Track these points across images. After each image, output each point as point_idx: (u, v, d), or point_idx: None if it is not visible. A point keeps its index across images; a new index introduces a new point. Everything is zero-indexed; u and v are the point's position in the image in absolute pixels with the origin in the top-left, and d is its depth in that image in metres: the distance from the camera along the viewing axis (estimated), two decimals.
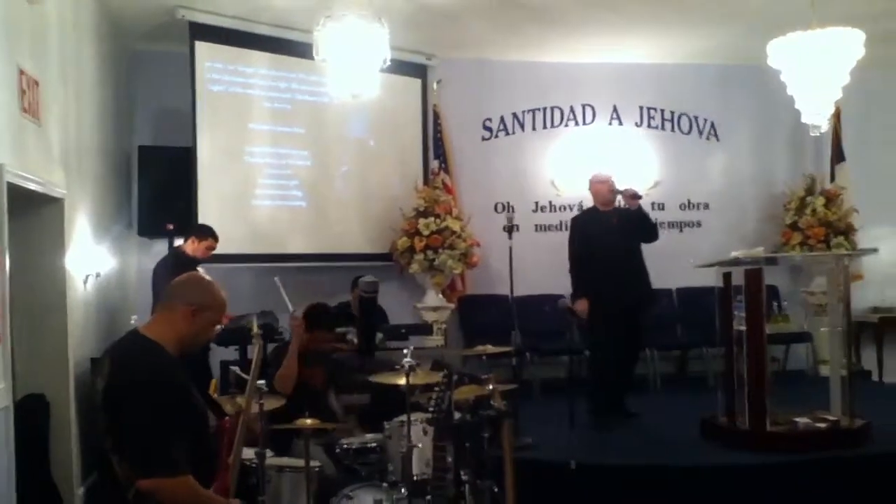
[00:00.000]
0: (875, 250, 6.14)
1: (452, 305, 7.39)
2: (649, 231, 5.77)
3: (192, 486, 2.25)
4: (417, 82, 7.62)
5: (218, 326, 2.58)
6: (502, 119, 7.98)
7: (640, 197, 5.71)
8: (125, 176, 6.71)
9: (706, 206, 8.24)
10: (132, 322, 5.10)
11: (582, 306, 5.57)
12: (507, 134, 8.01)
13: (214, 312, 2.50)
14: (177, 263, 5.39)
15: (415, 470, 3.51)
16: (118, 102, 6.49)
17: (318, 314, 4.51)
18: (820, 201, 7.71)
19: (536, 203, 7.91)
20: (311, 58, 5.22)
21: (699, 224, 8.22)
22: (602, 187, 5.81)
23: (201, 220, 6.18)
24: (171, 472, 2.20)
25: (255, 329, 2.94)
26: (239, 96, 6.71)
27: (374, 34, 5.11)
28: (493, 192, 7.84)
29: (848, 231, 7.66)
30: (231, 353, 5.76)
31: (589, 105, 8.11)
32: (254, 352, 3.07)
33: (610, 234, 5.62)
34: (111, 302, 5.89)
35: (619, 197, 5.75)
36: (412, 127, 7.62)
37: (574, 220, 6.19)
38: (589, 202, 6.12)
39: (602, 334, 5.58)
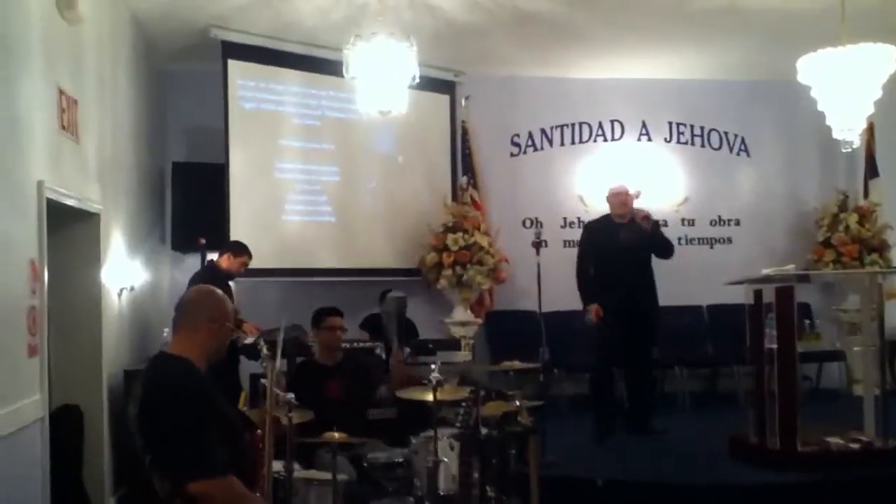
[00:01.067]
0: None
1: (480, 321, 7.40)
2: (662, 248, 5.76)
3: (239, 485, 2.31)
4: (446, 98, 7.68)
5: (234, 331, 2.68)
6: (530, 135, 8.01)
7: (650, 219, 5.71)
8: (159, 191, 6.83)
9: (737, 223, 8.18)
10: (164, 334, 5.17)
11: (594, 309, 5.56)
12: (536, 150, 8.03)
13: (230, 321, 2.60)
14: (212, 278, 5.46)
15: (441, 485, 3.51)
16: (152, 120, 6.62)
17: (320, 309, 4.57)
18: (853, 218, 7.61)
19: (565, 219, 7.91)
20: (341, 75, 5.29)
21: (729, 240, 8.16)
22: (615, 199, 5.84)
23: (232, 234, 6.28)
24: (221, 472, 2.26)
25: (265, 350, 2.98)
26: (270, 113, 6.82)
27: (402, 52, 5.16)
28: (522, 207, 7.86)
29: (882, 248, 7.55)
30: (259, 366, 5.80)
31: (617, 121, 8.11)
32: (268, 371, 3.10)
33: (618, 244, 5.62)
34: (144, 315, 5.99)
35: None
36: (440, 143, 7.67)
37: (586, 226, 6.23)
38: None
39: (603, 349, 5.59)
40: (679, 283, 7.20)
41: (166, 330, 5.73)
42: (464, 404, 3.13)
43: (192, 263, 6.63)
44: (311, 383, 4.30)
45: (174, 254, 6.87)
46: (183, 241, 6.64)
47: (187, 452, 2.25)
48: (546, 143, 8.04)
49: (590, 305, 5.63)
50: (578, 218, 7.80)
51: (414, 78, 5.24)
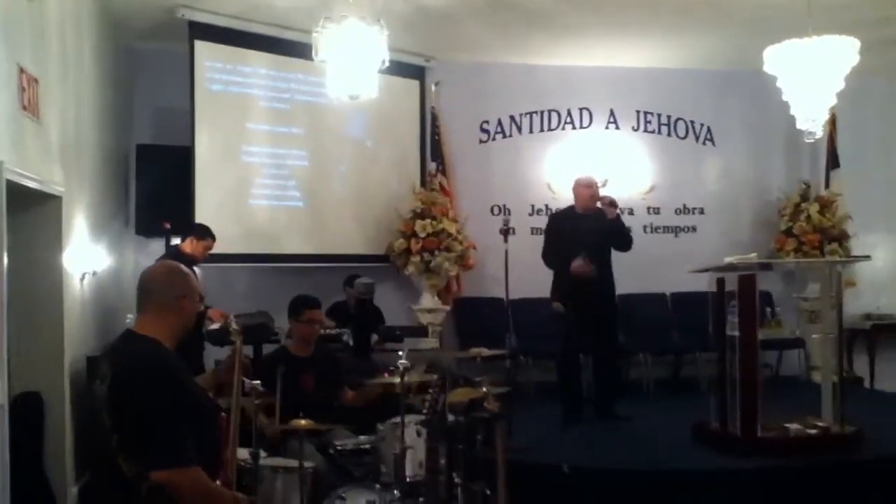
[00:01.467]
0: (868, 257, 6.20)
1: (448, 307, 7.42)
2: (623, 240, 5.84)
3: (204, 478, 2.28)
4: (415, 84, 7.64)
5: (200, 305, 2.62)
6: (500, 122, 8.01)
7: (617, 205, 5.79)
8: (123, 174, 6.72)
9: (701, 211, 8.28)
10: (128, 320, 5.11)
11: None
12: (505, 136, 8.04)
13: (195, 294, 2.55)
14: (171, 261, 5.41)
15: (408, 471, 3.52)
16: (117, 101, 6.50)
17: (300, 298, 4.52)
18: (814, 208, 7.75)
19: (533, 206, 7.95)
20: (310, 58, 5.22)
21: (694, 229, 8.26)
22: (585, 192, 5.87)
23: (199, 219, 6.20)
24: (184, 463, 2.23)
25: (234, 325, 2.93)
26: (238, 96, 6.73)
27: (372, 36, 5.12)
28: (490, 194, 7.87)
29: (842, 238, 7.70)
30: (224, 352, 5.74)
31: (586, 109, 8.14)
32: (235, 350, 3.04)
33: (582, 238, 5.68)
34: (107, 300, 5.90)
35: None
36: (410, 128, 7.65)
37: (550, 218, 6.29)
38: None
39: (568, 337, 5.66)
40: (644, 270, 7.30)
41: (130, 315, 5.66)
42: (430, 391, 3.13)
43: (157, 248, 6.55)
44: (286, 374, 4.26)
45: (138, 238, 6.77)
46: (147, 226, 6.55)
47: (155, 439, 2.22)
48: (515, 130, 8.05)
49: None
50: (546, 205, 7.85)
51: (384, 62, 5.20)
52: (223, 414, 2.65)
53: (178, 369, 2.39)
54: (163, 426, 2.22)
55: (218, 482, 2.39)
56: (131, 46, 6.88)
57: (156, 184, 6.49)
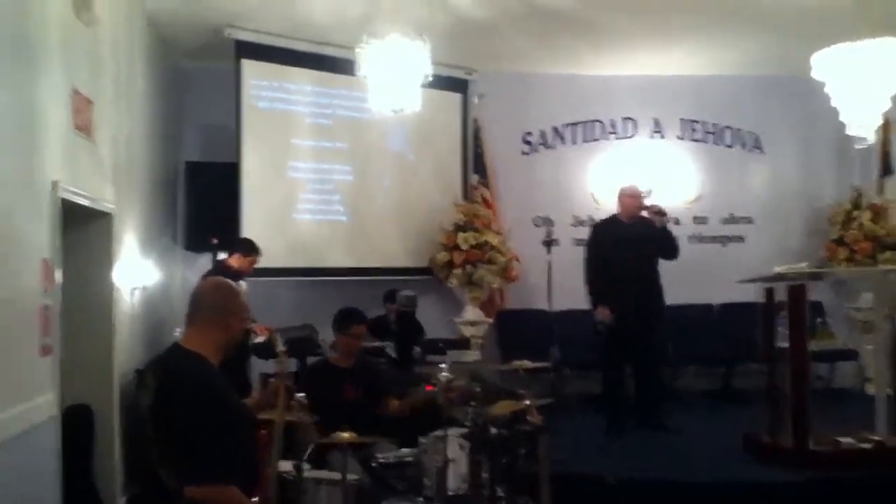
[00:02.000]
0: None
1: (490, 320, 7.40)
2: (669, 249, 5.77)
3: (239, 497, 2.30)
4: (458, 97, 7.68)
5: (248, 322, 2.66)
6: (542, 133, 8.00)
7: (665, 214, 5.73)
8: (172, 191, 6.87)
9: (749, 220, 8.13)
10: (175, 334, 5.21)
11: (604, 313, 5.57)
12: (548, 147, 8.02)
13: (243, 314, 2.59)
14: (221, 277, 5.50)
15: (450, 485, 3.52)
16: (166, 119, 6.66)
17: (347, 312, 4.56)
18: (867, 215, 7.55)
19: (576, 217, 7.90)
20: (353, 74, 5.30)
21: (742, 238, 8.12)
22: (632, 202, 5.82)
23: (245, 233, 6.30)
24: (219, 480, 2.25)
25: (279, 346, 2.97)
26: (283, 112, 6.85)
27: (415, 50, 5.16)
28: (533, 206, 7.85)
29: None
30: (270, 365, 5.84)
31: (630, 118, 8.08)
32: (280, 367, 3.09)
33: (628, 247, 5.63)
34: (156, 315, 6.03)
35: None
36: (452, 141, 7.68)
37: (594, 227, 6.23)
38: None
39: (612, 348, 5.59)
40: (691, 281, 7.19)
41: (178, 330, 5.78)
42: (473, 403, 3.13)
43: (205, 263, 6.67)
44: (328, 385, 4.30)
45: (186, 253, 6.91)
46: (195, 241, 6.67)
47: (193, 455, 2.25)
48: (558, 141, 8.03)
49: (600, 308, 5.63)
50: (590, 216, 7.78)
51: (427, 77, 5.24)
52: (264, 430, 2.68)
53: (221, 385, 2.42)
54: (201, 442, 2.25)
55: (256, 499, 2.41)
56: (180, 65, 7.05)
57: (203, 200, 6.61)
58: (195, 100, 7.15)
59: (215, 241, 6.47)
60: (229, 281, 2.71)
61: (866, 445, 4.67)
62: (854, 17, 5.27)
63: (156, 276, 6.03)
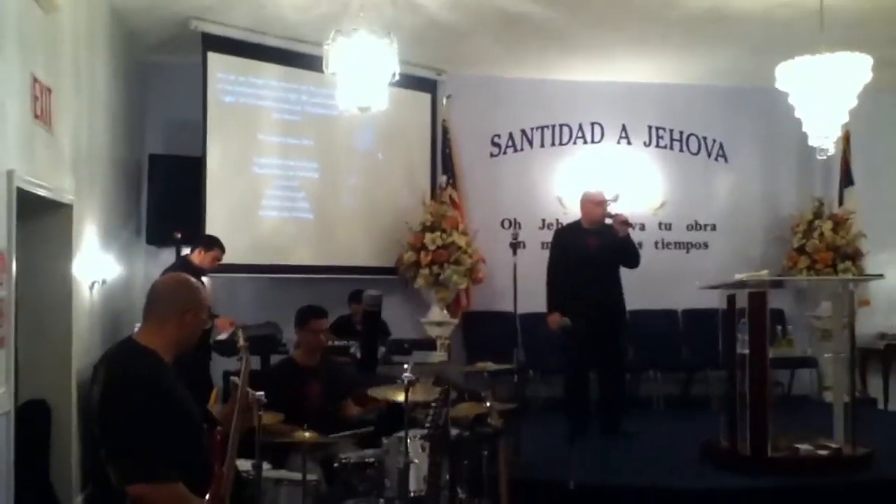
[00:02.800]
0: (882, 276, 6.12)
1: (456, 321, 7.40)
2: (631, 257, 5.82)
3: (180, 494, 2.25)
4: (427, 97, 7.66)
5: (207, 321, 2.60)
6: (511, 135, 8.01)
7: (631, 225, 5.78)
8: (135, 184, 6.76)
9: (713, 228, 8.23)
10: (136, 329, 5.12)
11: (554, 320, 5.60)
12: (516, 150, 8.03)
13: (202, 311, 2.53)
14: (184, 273, 5.42)
15: (411, 486, 3.49)
16: (130, 111, 6.55)
17: (306, 308, 4.51)
18: (828, 225, 7.68)
19: (543, 220, 7.92)
20: (322, 70, 5.25)
21: (706, 245, 8.21)
22: (595, 209, 5.85)
23: (209, 229, 6.22)
24: (156, 478, 2.20)
25: (242, 341, 2.92)
26: (249, 107, 6.76)
27: (383, 48, 5.13)
28: (500, 208, 7.86)
29: (856, 256, 7.61)
30: (233, 363, 5.75)
31: (598, 123, 8.13)
32: (242, 365, 3.05)
33: (589, 253, 5.66)
34: (116, 309, 5.92)
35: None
36: (421, 141, 7.66)
37: (556, 233, 6.27)
38: None
39: (575, 353, 5.63)
40: (655, 286, 7.27)
41: (138, 324, 5.68)
42: (433, 405, 3.11)
43: (168, 257, 6.58)
44: (292, 384, 4.26)
45: (149, 247, 6.80)
46: (158, 235, 6.58)
47: (131, 452, 2.20)
48: (526, 144, 8.05)
49: (552, 314, 5.66)
50: (557, 219, 7.81)
51: (394, 75, 5.21)
52: (219, 427, 2.63)
53: (168, 381, 2.36)
54: (142, 438, 2.20)
55: (207, 497, 2.36)
56: (144, 58, 6.93)
57: (167, 194, 6.53)
58: (160, 93, 7.05)
59: (179, 235, 6.40)
60: (188, 276, 2.66)
61: (824, 452, 4.74)
62: (817, 31, 5.36)
63: (117, 269, 5.92)
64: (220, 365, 5.78)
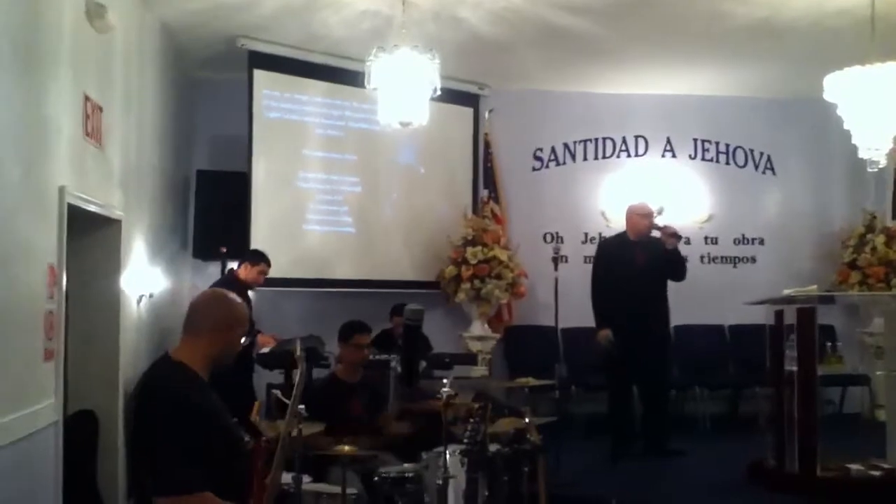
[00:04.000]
0: None
1: (498, 336, 7.37)
2: (678, 270, 5.73)
3: (213, 501, 2.27)
4: (469, 111, 7.68)
5: (244, 339, 2.61)
6: (553, 149, 7.99)
7: (679, 237, 5.69)
8: (182, 199, 6.89)
9: (761, 242, 8.08)
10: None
11: (604, 335, 5.53)
12: (558, 164, 8.00)
13: (240, 327, 2.54)
14: (230, 288, 5.47)
15: (450, 501, 3.48)
16: (178, 127, 6.69)
17: (349, 323, 4.53)
18: (880, 239, 7.48)
19: (586, 234, 7.86)
20: (364, 86, 5.31)
21: (753, 259, 8.07)
22: (640, 220, 5.79)
23: (254, 243, 6.31)
24: (187, 490, 2.22)
25: (299, 352, 2.95)
26: (294, 123, 6.87)
27: (424, 64, 5.17)
28: (543, 222, 7.83)
29: None
30: (276, 376, 5.83)
31: (642, 136, 8.06)
32: (296, 376, 3.09)
33: (634, 266, 5.58)
34: (163, 322, 6.02)
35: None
36: (462, 155, 7.67)
37: (600, 244, 6.20)
38: None
39: (619, 368, 5.55)
40: (701, 302, 7.16)
41: None
42: (472, 420, 3.10)
43: (214, 272, 6.69)
44: (334, 400, 4.29)
45: (195, 261, 6.92)
46: (205, 249, 6.69)
47: (160, 464, 2.23)
48: (569, 158, 8.01)
49: (602, 330, 5.58)
50: (600, 233, 7.74)
51: (435, 90, 5.25)
52: (264, 440, 2.65)
53: (198, 396, 2.37)
54: (172, 452, 2.22)
55: None
56: (192, 75, 7.09)
57: (214, 209, 6.64)
58: (207, 109, 7.19)
59: (224, 249, 6.49)
60: (226, 292, 2.67)
61: (876, 473, 4.58)
62: (868, 41, 5.24)
63: (164, 283, 6.03)
64: (262, 378, 5.84)
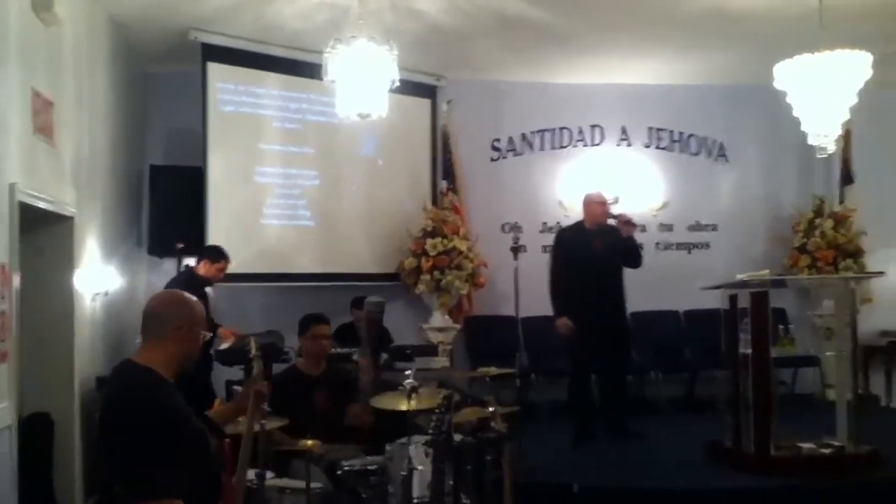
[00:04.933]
0: (883, 273, 6.13)
1: (458, 326, 7.40)
2: (634, 258, 5.83)
3: None
4: (427, 102, 7.68)
5: (204, 334, 2.59)
6: (511, 139, 8.02)
7: (635, 226, 5.78)
8: (136, 195, 6.78)
9: (714, 228, 8.22)
10: (138, 341, 5.13)
11: (563, 323, 5.60)
12: (516, 154, 8.04)
13: (200, 326, 2.52)
14: (189, 285, 5.42)
15: (415, 493, 3.50)
16: (131, 122, 6.58)
17: (306, 315, 4.52)
18: (829, 224, 7.68)
19: (544, 223, 7.92)
20: (321, 78, 5.27)
21: (707, 245, 8.21)
22: (599, 209, 5.86)
23: (211, 239, 6.24)
24: (157, 496, 2.20)
25: (254, 351, 2.94)
26: (250, 116, 6.79)
27: (382, 55, 5.16)
28: (502, 212, 7.86)
29: (857, 254, 7.61)
30: (236, 372, 5.78)
31: (598, 126, 8.14)
32: (254, 370, 3.08)
33: (593, 254, 5.66)
34: (119, 321, 5.94)
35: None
36: (421, 147, 7.67)
37: (558, 234, 6.26)
38: None
39: (580, 355, 5.63)
40: (657, 288, 7.27)
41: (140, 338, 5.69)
42: (437, 410, 3.12)
43: (170, 268, 6.60)
44: (297, 393, 4.27)
45: (151, 258, 6.81)
46: (160, 246, 6.59)
47: (136, 471, 2.20)
48: (527, 148, 8.06)
49: (560, 319, 5.65)
50: (558, 222, 7.79)
51: (394, 82, 5.24)
52: (227, 440, 2.63)
53: (173, 400, 2.34)
54: (144, 458, 2.19)
55: None
56: (145, 69, 6.97)
57: (169, 204, 6.54)
58: (161, 103, 7.07)
59: (181, 245, 6.41)
60: (181, 292, 2.64)
61: (827, 451, 4.73)
62: (816, 29, 5.37)
63: (119, 281, 5.94)
64: (222, 375, 5.79)
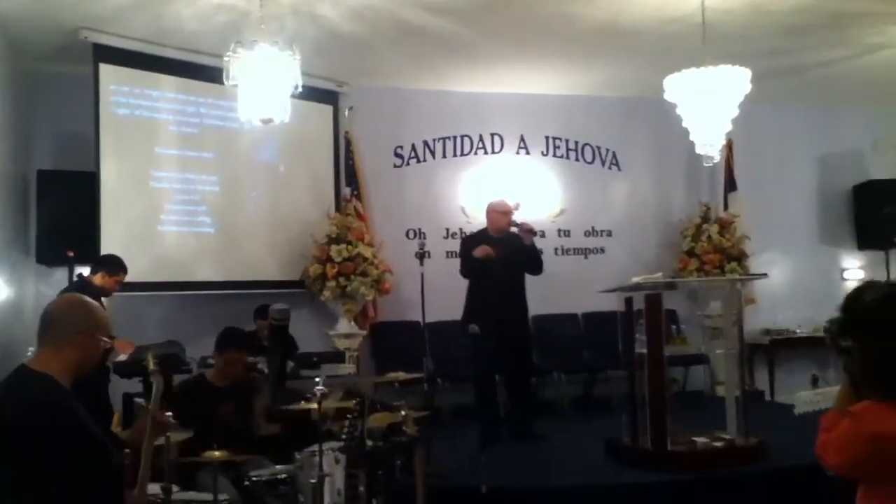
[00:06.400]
0: (765, 275, 6.52)
1: (364, 332, 7.39)
2: (536, 265, 6.00)
3: None
4: (329, 109, 7.64)
5: (105, 340, 2.50)
6: (413, 147, 8.08)
7: (535, 233, 5.95)
8: (23, 201, 6.45)
9: (609, 234, 8.52)
10: (29, 353, 4.88)
11: (482, 249, 5.78)
12: (419, 161, 8.11)
13: (101, 331, 2.44)
14: (83, 294, 5.20)
15: (326, 500, 3.49)
16: (16, 125, 6.25)
17: (227, 332, 4.44)
18: (714, 229, 8.11)
19: (447, 230, 8.01)
20: (221, 82, 5.17)
21: (603, 250, 8.49)
22: (501, 218, 6.00)
23: (104, 247, 6.01)
24: None
25: (152, 366, 2.84)
26: (145, 120, 6.58)
27: (285, 60, 5.11)
28: (405, 218, 7.91)
29: (741, 257, 8.07)
30: (135, 384, 5.58)
31: (497, 134, 8.30)
32: (154, 388, 2.99)
33: (496, 262, 5.80)
34: (6, 333, 5.64)
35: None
36: (324, 153, 7.62)
37: (463, 241, 6.38)
38: None
39: (483, 360, 5.75)
40: (556, 291, 7.47)
41: (31, 348, 5.41)
42: (349, 416, 3.12)
43: (61, 277, 6.30)
44: (204, 402, 4.17)
45: (40, 267, 6.48)
46: (50, 254, 6.28)
47: (30, 488, 2.10)
48: (429, 155, 8.14)
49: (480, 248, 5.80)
50: (461, 229, 7.93)
51: (297, 87, 5.20)
52: (126, 451, 2.56)
53: (66, 407, 2.26)
54: (38, 471, 2.10)
55: None
56: (32, 69, 6.63)
57: (58, 211, 6.24)
58: (49, 105, 6.73)
59: (71, 253, 6.13)
60: (83, 296, 2.56)
61: (719, 444, 4.99)
62: (701, 45, 5.68)
63: (5, 291, 5.64)
64: (119, 387, 5.58)
